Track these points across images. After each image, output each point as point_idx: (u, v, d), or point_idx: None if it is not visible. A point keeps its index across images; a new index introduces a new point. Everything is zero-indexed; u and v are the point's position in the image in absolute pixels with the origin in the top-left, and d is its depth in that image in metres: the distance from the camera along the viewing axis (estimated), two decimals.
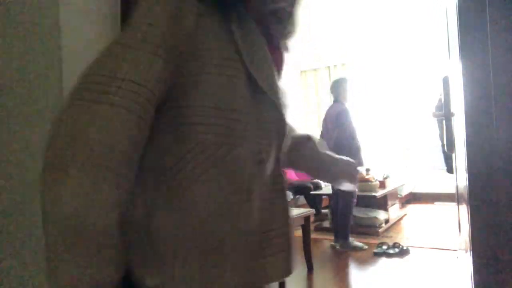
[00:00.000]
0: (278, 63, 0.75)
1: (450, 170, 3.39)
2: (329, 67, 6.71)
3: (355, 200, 3.60)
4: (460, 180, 1.99)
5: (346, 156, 4.14)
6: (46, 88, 1.10)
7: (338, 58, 6.53)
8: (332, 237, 3.70)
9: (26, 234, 1.14)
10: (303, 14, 5.09)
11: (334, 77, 6.42)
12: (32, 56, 1.12)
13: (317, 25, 5.50)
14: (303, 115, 7.08)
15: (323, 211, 5.03)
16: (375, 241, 3.69)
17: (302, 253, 2.94)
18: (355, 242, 3.57)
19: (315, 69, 6.89)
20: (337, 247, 3.57)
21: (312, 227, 3.98)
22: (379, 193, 4.21)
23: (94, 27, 1.19)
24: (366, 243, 3.59)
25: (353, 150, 3.52)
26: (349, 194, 3.55)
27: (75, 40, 1.12)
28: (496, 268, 1.08)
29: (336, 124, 3.55)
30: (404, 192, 5.58)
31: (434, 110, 3.98)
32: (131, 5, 1.28)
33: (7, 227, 1.16)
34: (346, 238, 3.55)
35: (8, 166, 1.16)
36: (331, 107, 3.75)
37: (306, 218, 3.15)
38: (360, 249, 3.50)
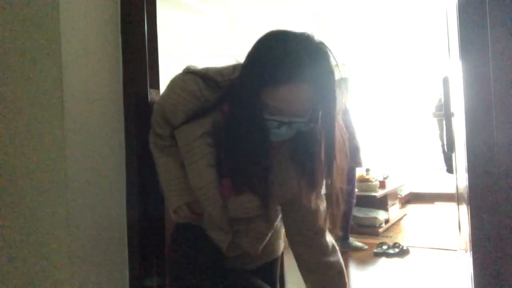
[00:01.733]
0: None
1: (450, 170, 3.38)
2: None
3: (354, 201, 3.60)
4: (460, 180, 1.99)
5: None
6: (46, 88, 1.10)
7: (338, 58, 6.51)
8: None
9: (24, 235, 1.14)
10: (303, 14, 5.09)
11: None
12: (32, 55, 1.12)
13: (317, 25, 5.49)
14: None
15: None
16: (375, 241, 3.69)
17: None
18: (355, 242, 3.56)
19: None
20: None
21: None
22: (379, 193, 4.21)
23: (94, 27, 1.19)
24: (366, 243, 3.59)
25: (352, 150, 3.52)
26: (349, 194, 3.55)
27: (75, 40, 1.12)
28: (496, 268, 1.08)
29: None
30: (404, 192, 5.58)
31: (434, 110, 3.97)
32: (130, 5, 1.28)
33: (7, 227, 1.16)
34: (346, 238, 3.54)
35: (8, 166, 1.16)
36: None
37: None
38: (360, 249, 3.50)
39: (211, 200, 1.03)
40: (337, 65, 0.98)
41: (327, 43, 1.03)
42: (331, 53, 0.97)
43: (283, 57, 0.88)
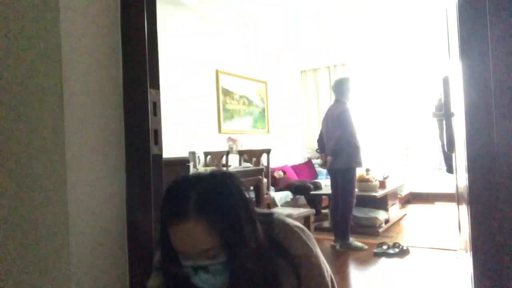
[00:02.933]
0: None
1: (450, 170, 3.38)
2: (329, 67, 6.71)
3: (354, 201, 3.60)
4: (460, 180, 1.99)
5: (346, 155, 4.12)
6: (46, 87, 1.10)
7: (338, 58, 6.53)
8: (332, 237, 3.70)
9: (24, 235, 1.14)
10: (303, 14, 5.09)
11: (334, 77, 6.41)
12: (32, 56, 1.12)
13: (317, 25, 5.50)
14: (303, 115, 7.08)
15: (323, 211, 5.03)
16: (375, 241, 3.69)
17: None
18: (355, 242, 3.56)
19: (315, 69, 6.88)
20: (337, 247, 3.57)
21: (312, 227, 3.98)
22: (379, 193, 4.21)
23: (94, 27, 1.19)
24: (366, 243, 3.59)
25: (353, 150, 3.51)
26: (349, 194, 3.55)
27: (75, 40, 1.12)
28: (496, 268, 1.08)
29: (338, 123, 3.52)
30: (404, 192, 5.58)
31: (434, 110, 3.97)
32: (130, 5, 1.28)
33: (7, 227, 1.16)
34: (346, 238, 3.54)
35: (8, 166, 1.16)
36: (332, 106, 3.73)
37: (306, 218, 3.15)
38: (360, 249, 3.50)
39: None
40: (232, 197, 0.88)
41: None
42: (227, 187, 0.88)
43: (165, 202, 0.87)
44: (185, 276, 0.90)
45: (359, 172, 4.34)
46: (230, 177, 0.91)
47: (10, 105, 1.16)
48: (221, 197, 0.86)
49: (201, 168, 3.07)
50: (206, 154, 4.30)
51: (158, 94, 1.32)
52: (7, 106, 1.16)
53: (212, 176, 0.90)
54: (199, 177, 0.90)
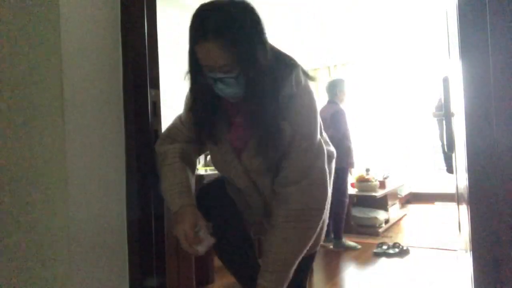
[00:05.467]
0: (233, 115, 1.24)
1: (450, 170, 3.38)
2: (329, 67, 6.71)
3: (347, 200, 3.61)
4: (460, 180, 1.99)
5: (337, 155, 4.14)
6: (46, 88, 1.10)
7: (338, 58, 6.53)
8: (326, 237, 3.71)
9: (24, 235, 1.14)
10: (303, 14, 5.09)
11: (335, 77, 6.42)
12: (32, 55, 1.12)
13: (317, 25, 5.49)
14: None
15: None
16: (375, 241, 3.69)
17: None
18: (348, 241, 3.57)
19: (315, 69, 6.89)
20: (331, 246, 3.58)
21: None
22: (379, 193, 4.21)
23: (94, 27, 1.19)
24: (366, 243, 3.59)
25: (345, 150, 3.52)
26: (342, 194, 3.55)
27: (75, 40, 1.12)
28: (496, 268, 1.08)
29: (330, 124, 3.55)
30: (404, 192, 5.58)
31: (434, 110, 3.97)
32: (130, 6, 1.28)
33: (7, 227, 1.16)
34: (339, 238, 3.55)
35: (8, 165, 1.16)
36: (325, 107, 3.78)
37: None
38: (353, 248, 3.51)
39: (233, 170, 1.23)
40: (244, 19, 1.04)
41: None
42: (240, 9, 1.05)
43: (191, 25, 1.06)
44: (209, 84, 1.11)
45: (359, 172, 4.35)
46: (248, 6, 1.06)
47: (10, 105, 1.16)
48: (238, 23, 1.02)
49: (201, 168, 3.07)
50: (206, 154, 4.29)
51: (158, 94, 1.32)
52: (7, 106, 1.16)
53: (233, 4, 1.04)
54: (221, 4, 1.04)
